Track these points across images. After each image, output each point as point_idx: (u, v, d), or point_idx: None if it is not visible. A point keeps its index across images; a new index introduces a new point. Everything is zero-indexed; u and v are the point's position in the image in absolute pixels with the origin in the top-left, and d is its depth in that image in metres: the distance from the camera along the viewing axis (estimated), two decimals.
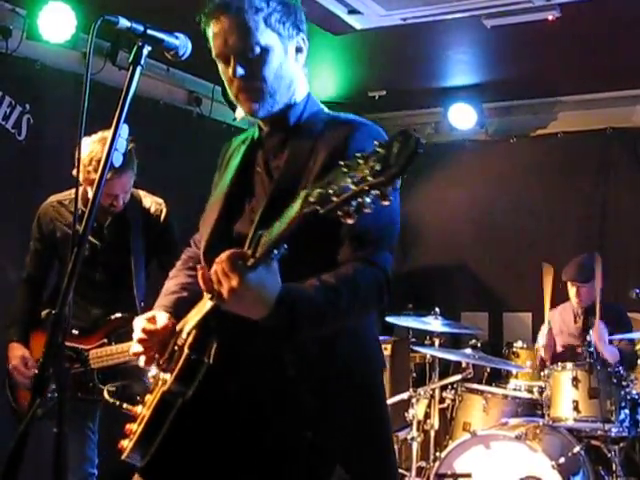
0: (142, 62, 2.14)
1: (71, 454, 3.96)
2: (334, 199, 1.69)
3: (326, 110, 2.53)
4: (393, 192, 1.65)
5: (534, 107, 8.21)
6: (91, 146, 3.94)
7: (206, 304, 2.19)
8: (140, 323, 2.45)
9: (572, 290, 6.36)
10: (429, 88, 7.80)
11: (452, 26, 5.79)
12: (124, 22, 2.10)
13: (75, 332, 4.07)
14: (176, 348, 2.34)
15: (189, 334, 2.28)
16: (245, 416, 2.30)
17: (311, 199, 1.76)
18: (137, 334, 2.43)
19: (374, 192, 1.64)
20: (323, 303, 2.11)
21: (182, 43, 2.24)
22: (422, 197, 8.21)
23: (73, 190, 4.27)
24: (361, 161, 1.65)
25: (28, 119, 5.84)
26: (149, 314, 2.49)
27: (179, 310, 2.53)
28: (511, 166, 8.22)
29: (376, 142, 1.65)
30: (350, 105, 7.76)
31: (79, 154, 2.07)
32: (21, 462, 1.84)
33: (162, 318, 2.46)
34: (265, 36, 2.32)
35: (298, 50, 2.44)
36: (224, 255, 1.98)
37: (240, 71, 2.32)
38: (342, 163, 1.70)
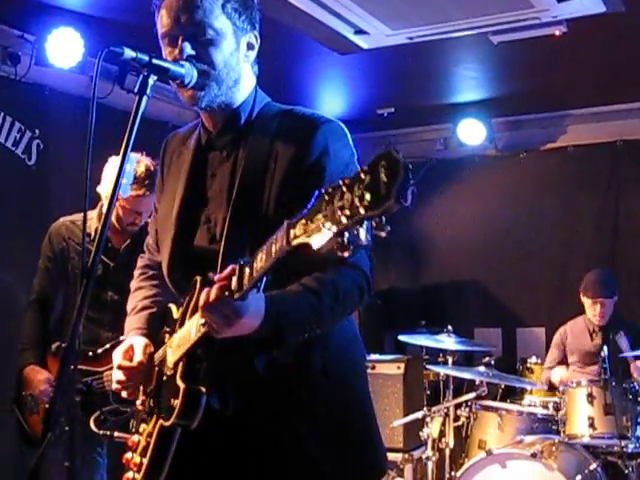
0: (148, 92, 2.13)
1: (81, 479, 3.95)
2: (325, 232, 1.60)
3: (276, 104, 2.45)
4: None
5: (543, 121, 8.19)
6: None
7: (191, 333, 2.14)
8: (117, 358, 2.41)
9: (594, 307, 6.30)
10: (437, 104, 7.80)
11: (459, 43, 5.78)
12: (129, 53, 2.09)
13: (90, 354, 4.05)
14: (165, 378, 2.30)
15: (177, 364, 2.23)
16: (237, 431, 2.26)
17: (297, 232, 1.68)
18: (115, 374, 2.40)
19: (369, 223, 1.56)
20: (306, 309, 2.11)
21: (187, 71, 2.22)
22: (433, 213, 8.20)
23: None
24: (345, 189, 1.56)
25: (38, 144, 5.86)
26: (126, 345, 2.44)
27: (153, 327, 2.51)
28: (521, 181, 8.21)
29: (359, 169, 1.55)
30: (359, 122, 7.77)
31: (86, 177, 2.06)
32: None
33: (139, 350, 2.40)
34: (220, 21, 2.26)
35: (250, 47, 2.38)
36: (213, 291, 1.95)
37: (189, 50, 2.23)
38: (323, 190, 1.62)
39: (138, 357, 2.39)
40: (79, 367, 3.93)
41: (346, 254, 1.61)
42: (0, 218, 5.54)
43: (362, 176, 1.53)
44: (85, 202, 2.19)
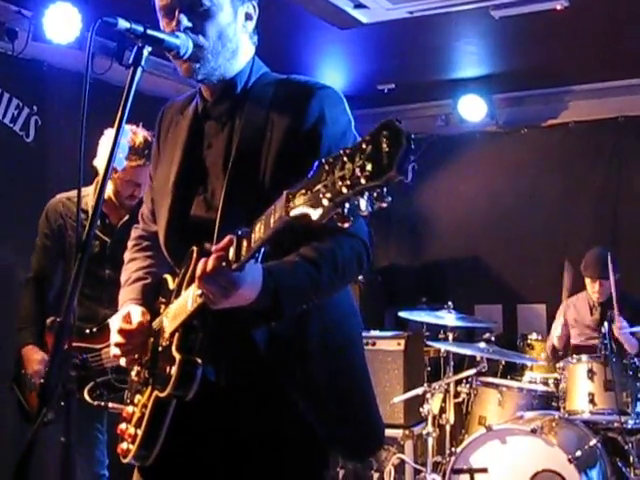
0: (142, 63, 2.10)
1: (80, 456, 3.95)
2: (325, 202, 1.58)
3: (273, 73, 2.43)
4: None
5: (545, 97, 8.15)
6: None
7: (188, 303, 2.13)
8: (116, 324, 2.40)
9: (593, 285, 6.31)
10: (438, 80, 7.76)
11: (460, 18, 5.74)
12: (123, 23, 2.06)
13: (87, 332, 4.04)
14: (160, 349, 2.29)
15: (173, 334, 2.22)
16: (232, 402, 2.26)
17: (297, 202, 1.66)
18: (114, 337, 2.38)
19: (369, 194, 1.53)
20: (305, 280, 2.10)
21: (183, 42, 2.19)
22: (433, 190, 8.18)
23: (82, 189, 4.26)
24: (345, 159, 1.54)
25: (36, 120, 5.84)
26: (123, 311, 2.43)
27: (147, 298, 2.50)
28: (523, 157, 8.18)
29: (360, 138, 1.53)
30: (359, 98, 7.73)
31: (81, 152, 2.04)
32: (30, 469, 1.82)
33: (136, 315, 2.39)
34: None
35: (248, 17, 2.36)
36: (210, 259, 1.93)
37: (186, 22, 2.21)
38: (324, 161, 1.60)
39: (137, 319, 2.38)
40: (77, 345, 3.93)
41: (346, 225, 1.59)
42: None
43: (363, 146, 1.51)
44: (79, 177, 2.16)
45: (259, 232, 1.81)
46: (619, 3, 5.53)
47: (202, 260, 1.96)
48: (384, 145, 1.48)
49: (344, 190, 1.53)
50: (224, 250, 1.92)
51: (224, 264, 1.90)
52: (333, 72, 7.53)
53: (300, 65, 7.13)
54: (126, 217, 4.20)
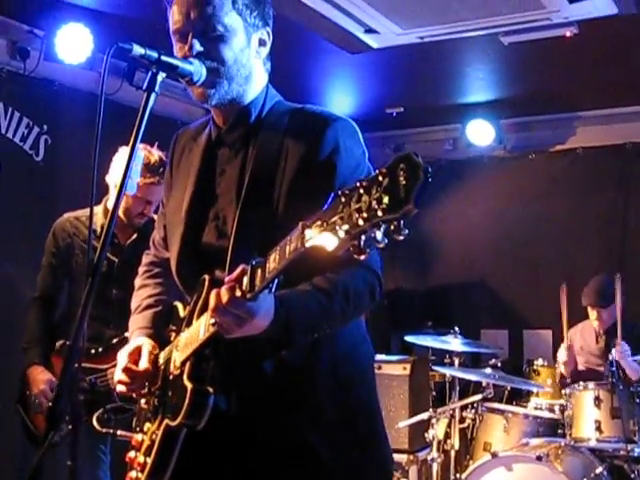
0: (156, 89, 2.11)
1: (84, 476, 3.93)
2: (341, 234, 1.57)
3: (287, 102, 2.43)
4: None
5: (552, 122, 8.15)
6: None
7: (200, 332, 2.12)
8: (123, 360, 2.39)
9: (593, 314, 6.30)
10: (447, 105, 7.79)
11: (469, 43, 5.76)
12: (138, 49, 2.08)
13: (93, 352, 4.04)
14: (171, 377, 2.29)
15: (184, 363, 2.21)
16: (241, 431, 2.24)
17: (313, 233, 1.65)
18: (119, 374, 2.38)
19: (386, 226, 1.53)
20: (316, 310, 2.10)
21: (196, 69, 2.20)
22: (441, 214, 8.17)
23: (88, 209, 4.28)
24: (362, 191, 1.54)
25: (46, 140, 5.86)
26: (131, 346, 2.43)
27: (158, 326, 2.50)
28: (530, 182, 8.18)
29: (377, 171, 1.52)
30: (368, 122, 7.74)
31: (94, 172, 2.05)
32: None
33: (145, 354, 2.39)
34: (230, 17, 2.24)
35: (261, 43, 2.36)
36: (224, 290, 1.92)
37: (199, 47, 2.21)
38: (340, 192, 1.60)
39: (144, 364, 2.37)
40: (83, 365, 3.93)
41: (362, 257, 1.59)
42: (8, 213, 5.53)
43: (380, 178, 1.51)
44: (91, 197, 2.16)
45: (274, 262, 1.80)
46: (627, 31, 5.54)
47: (215, 290, 1.96)
48: (401, 178, 1.48)
49: (361, 222, 1.53)
50: (237, 280, 1.91)
51: (238, 294, 1.90)
52: (342, 95, 7.56)
53: (310, 88, 7.16)
54: (134, 236, 4.21)
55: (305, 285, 2.11)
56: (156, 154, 4.07)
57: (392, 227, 1.52)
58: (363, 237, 1.56)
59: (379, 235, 1.54)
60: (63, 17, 5.45)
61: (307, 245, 1.67)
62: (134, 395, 2.42)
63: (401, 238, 1.53)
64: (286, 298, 2.04)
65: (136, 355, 2.40)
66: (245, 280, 1.89)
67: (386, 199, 1.49)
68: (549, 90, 7.28)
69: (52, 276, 4.32)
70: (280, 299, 2.02)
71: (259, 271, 1.86)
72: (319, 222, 1.64)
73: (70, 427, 1.93)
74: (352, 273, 2.17)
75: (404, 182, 1.47)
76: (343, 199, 1.58)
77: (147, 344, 2.43)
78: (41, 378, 4.08)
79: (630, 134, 7.78)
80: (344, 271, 2.15)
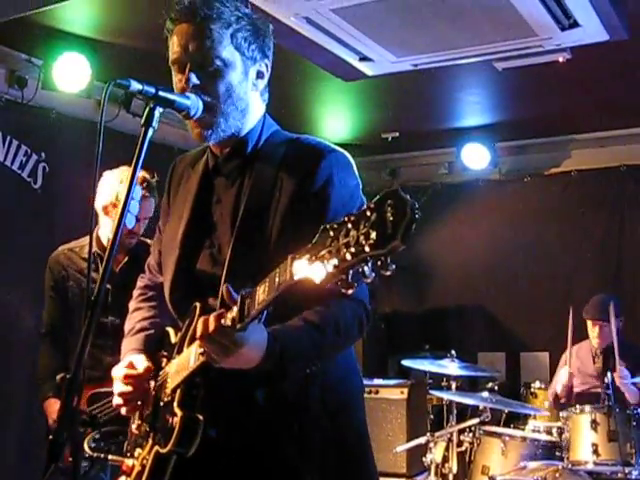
0: (154, 124, 2.14)
1: None
2: (329, 269, 1.59)
3: (284, 132, 2.46)
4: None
5: (547, 146, 8.21)
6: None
7: (190, 360, 2.15)
8: (120, 372, 2.41)
9: (594, 329, 6.31)
10: (442, 129, 7.83)
11: (463, 69, 5.80)
12: (135, 85, 2.10)
13: (92, 377, 4.05)
14: (162, 404, 2.30)
15: (175, 390, 2.23)
16: (229, 457, 2.25)
17: (301, 266, 1.67)
18: (118, 386, 2.40)
19: (374, 262, 1.54)
20: (309, 345, 2.12)
21: (193, 103, 2.22)
22: (436, 238, 8.20)
23: (82, 239, 4.31)
24: (350, 225, 1.56)
25: (44, 167, 5.90)
26: (126, 361, 2.45)
27: (150, 349, 2.51)
28: (525, 205, 8.21)
29: (365, 206, 1.55)
30: (363, 146, 7.81)
31: (93, 200, 2.07)
32: None
33: (141, 362, 2.42)
34: (228, 51, 2.26)
35: (259, 75, 2.37)
36: (211, 318, 1.95)
37: (195, 80, 2.23)
38: (328, 226, 1.62)
39: (143, 364, 2.41)
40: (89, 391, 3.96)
41: (350, 291, 1.61)
42: (6, 241, 5.56)
43: (368, 213, 1.54)
44: (91, 225, 2.19)
45: (263, 294, 1.83)
46: (619, 55, 5.60)
47: (203, 318, 1.99)
48: (388, 214, 1.50)
49: (348, 257, 1.55)
50: (227, 310, 1.94)
51: (228, 323, 1.92)
52: (337, 121, 7.61)
53: (306, 114, 7.22)
54: (125, 260, 4.23)
55: (296, 320, 2.14)
56: (141, 174, 4.09)
57: (379, 262, 1.54)
58: (351, 271, 1.58)
59: (367, 270, 1.56)
60: (61, 46, 5.50)
61: (295, 278, 1.69)
62: (129, 411, 2.43)
63: (388, 274, 1.55)
64: (280, 333, 2.07)
65: (132, 366, 2.42)
66: (234, 310, 1.92)
67: (373, 234, 1.51)
68: (543, 114, 7.33)
69: (56, 309, 4.35)
70: (274, 334, 2.04)
71: (248, 301, 1.88)
72: (308, 255, 1.66)
73: (70, 459, 1.95)
74: (341, 306, 2.19)
75: (391, 218, 1.50)
76: (332, 233, 1.61)
77: (139, 357, 2.45)
78: (55, 409, 4.11)
79: (624, 156, 7.83)
80: (333, 303, 2.18)
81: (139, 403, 2.42)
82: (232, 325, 1.92)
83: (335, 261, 1.58)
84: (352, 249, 1.54)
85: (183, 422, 2.15)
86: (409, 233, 1.49)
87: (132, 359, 2.45)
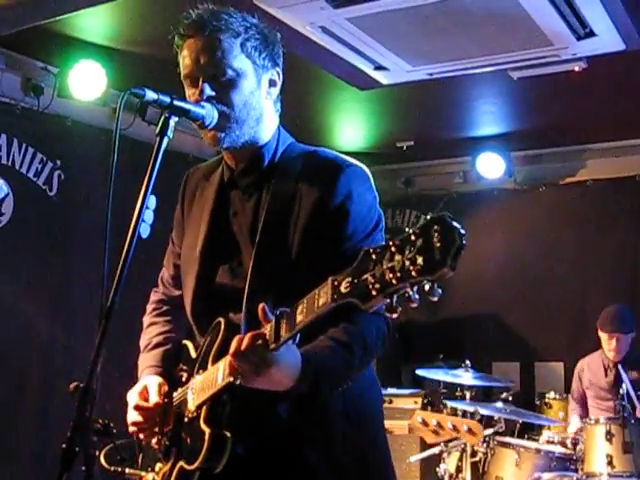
0: (169, 134, 2.14)
1: None
2: (374, 293, 1.58)
3: (299, 144, 2.46)
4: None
5: (562, 155, 8.17)
6: None
7: (218, 378, 2.13)
8: (133, 399, 2.41)
9: (610, 342, 6.27)
10: (457, 138, 7.82)
11: (479, 79, 5.80)
12: (151, 95, 2.11)
13: None
14: (186, 420, 2.29)
15: (200, 407, 2.22)
16: (252, 470, 2.24)
17: (343, 290, 1.66)
18: (131, 414, 2.40)
19: (420, 286, 1.54)
20: (341, 365, 2.12)
21: (208, 113, 2.22)
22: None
23: None
24: (394, 249, 1.55)
25: (59, 175, 5.92)
26: (140, 386, 2.44)
27: (167, 365, 2.51)
28: (540, 215, 8.18)
29: (409, 229, 1.54)
30: (378, 155, 7.80)
31: (109, 210, 2.08)
32: None
33: (153, 390, 2.41)
34: (239, 61, 2.26)
35: (272, 84, 2.37)
36: (247, 337, 1.94)
37: (209, 91, 2.23)
38: (371, 250, 1.61)
39: (154, 398, 2.39)
40: None
41: (394, 315, 1.61)
42: (21, 248, 5.57)
43: (413, 238, 1.53)
44: (106, 234, 2.17)
45: (301, 315, 1.82)
46: (636, 65, 5.58)
47: (238, 337, 1.97)
48: (435, 240, 1.50)
49: (394, 282, 1.54)
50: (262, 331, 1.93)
51: (261, 342, 1.91)
52: (352, 130, 7.62)
53: (321, 123, 7.22)
54: None
55: (325, 339, 2.12)
56: None
57: (427, 288, 1.54)
58: (395, 296, 1.57)
59: (412, 294, 1.55)
60: (77, 54, 5.52)
61: (339, 302, 1.68)
62: (146, 437, 2.43)
63: (435, 299, 1.55)
64: (312, 355, 2.05)
65: (145, 393, 2.42)
66: (269, 329, 1.91)
67: (420, 260, 1.50)
68: (559, 123, 7.31)
69: None
70: (307, 356, 2.03)
71: (284, 322, 1.87)
72: (349, 278, 1.65)
73: (83, 469, 1.94)
74: (366, 321, 2.17)
75: (438, 244, 1.49)
76: (374, 256, 1.60)
77: (155, 382, 2.44)
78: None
79: None
80: (358, 319, 2.16)
81: (155, 430, 2.41)
82: (265, 344, 1.91)
83: (379, 285, 1.58)
84: (398, 274, 1.54)
85: (211, 439, 2.14)
86: (457, 260, 1.48)
87: (147, 383, 2.45)
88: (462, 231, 1.50)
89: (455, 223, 1.50)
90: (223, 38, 2.24)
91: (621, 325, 6.19)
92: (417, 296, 1.56)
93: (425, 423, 3.67)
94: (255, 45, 2.30)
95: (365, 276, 1.61)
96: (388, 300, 1.59)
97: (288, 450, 2.23)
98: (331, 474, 2.23)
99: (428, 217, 1.53)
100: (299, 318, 1.83)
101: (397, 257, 1.54)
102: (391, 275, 1.55)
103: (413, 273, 1.51)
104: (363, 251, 1.64)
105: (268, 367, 1.94)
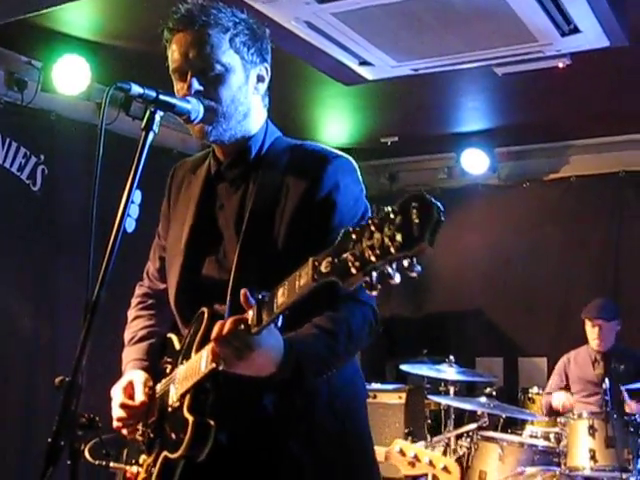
0: (154, 128, 2.14)
1: None
2: (353, 271, 1.60)
3: (286, 138, 2.47)
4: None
5: (546, 151, 8.21)
6: None
7: (201, 365, 2.13)
8: (117, 397, 2.41)
9: (594, 330, 6.32)
10: (441, 134, 7.84)
11: (463, 75, 5.81)
12: (136, 89, 2.10)
13: None
14: (169, 410, 2.29)
15: (183, 396, 2.22)
16: (235, 459, 2.25)
17: (323, 269, 1.68)
18: (116, 411, 2.40)
19: (399, 263, 1.55)
20: (324, 352, 2.12)
21: (194, 107, 2.22)
22: (435, 242, 8.17)
23: None
24: (374, 228, 1.56)
25: (43, 170, 5.88)
26: (125, 380, 2.44)
27: (152, 358, 2.51)
28: (524, 210, 8.22)
29: (388, 208, 1.55)
30: (362, 150, 7.80)
31: (94, 205, 2.07)
32: None
33: (139, 388, 2.40)
34: (228, 56, 2.27)
35: (259, 79, 2.38)
36: (228, 321, 1.95)
37: (197, 86, 2.24)
38: (350, 229, 1.63)
39: (140, 397, 2.39)
40: None
41: (374, 293, 1.62)
42: (4, 243, 5.55)
43: (392, 216, 1.54)
44: (91, 229, 2.17)
45: (282, 297, 1.82)
46: (620, 62, 5.60)
47: (219, 322, 1.98)
48: (414, 216, 1.51)
49: (373, 259, 1.56)
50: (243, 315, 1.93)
51: (242, 327, 1.92)
52: (337, 125, 7.62)
53: (306, 118, 7.22)
54: None
55: (309, 327, 2.13)
56: None
57: (405, 264, 1.55)
58: (374, 273, 1.58)
59: (391, 271, 1.56)
60: (61, 48, 5.48)
61: (319, 280, 1.69)
62: (130, 433, 2.43)
63: (414, 275, 1.56)
64: (295, 342, 2.06)
65: (130, 389, 2.41)
66: (251, 314, 1.91)
67: (399, 237, 1.51)
68: (543, 119, 7.33)
69: None
70: (289, 343, 2.03)
71: (266, 305, 1.88)
72: (329, 258, 1.67)
73: (68, 462, 1.94)
74: (351, 310, 2.19)
75: (417, 220, 1.50)
76: (354, 236, 1.61)
77: (140, 377, 2.44)
78: None
79: (623, 162, 7.84)
80: (342, 307, 2.17)
81: (139, 426, 2.41)
82: (247, 328, 1.91)
83: (359, 263, 1.59)
84: (377, 251, 1.55)
85: (195, 427, 2.14)
86: (436, 235, 1.50)
87: (132, 378, 2.44)
88: (440, 207, 1.51)
89: (432, 199, 1.52)
90: (212, 33, 2.25)
91: (603, 312, 6.24)
92: (397, 273, 1.57)
93: (402, 453, 3.70)
94: (244, 40, 2.31)
95: (345, 255, 1.62)
96: (367, 278, 1.59)
97: (271, 439, 2.24)
98: (314, 464, 2.24)
99: (406, 195, 1.54)
100: (280, 300, 1.83)
101: (377, 235, 1.55)
102: (370, 252, 1.56)
103: (392, 250, 1.52)
104: (343, 230, 1.65)
105: (250, 351, 1.94)
